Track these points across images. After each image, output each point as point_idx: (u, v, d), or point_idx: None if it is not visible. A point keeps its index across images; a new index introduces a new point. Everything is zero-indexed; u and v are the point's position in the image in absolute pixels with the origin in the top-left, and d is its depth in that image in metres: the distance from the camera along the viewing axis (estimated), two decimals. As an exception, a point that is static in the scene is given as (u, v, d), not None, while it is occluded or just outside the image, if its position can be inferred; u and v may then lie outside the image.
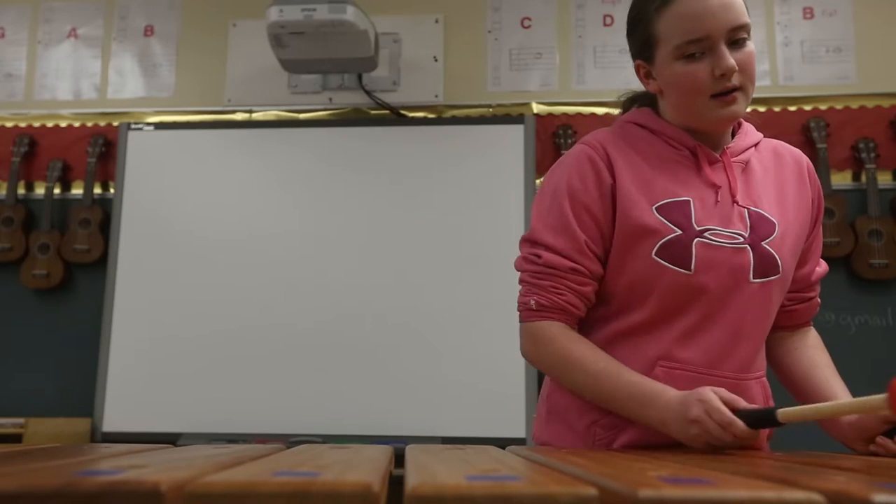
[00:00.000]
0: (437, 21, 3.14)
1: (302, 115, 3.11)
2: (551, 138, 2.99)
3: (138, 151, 3.02)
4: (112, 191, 3.06)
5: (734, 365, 1.10)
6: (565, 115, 3.03)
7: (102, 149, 3.10)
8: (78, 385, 2.90)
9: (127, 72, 3.23)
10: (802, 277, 1.22)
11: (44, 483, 0.50)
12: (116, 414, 2.81)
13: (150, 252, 2.92)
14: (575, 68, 3.08)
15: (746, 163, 1.17)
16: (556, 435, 1.17)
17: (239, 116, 3.13)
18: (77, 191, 3.10)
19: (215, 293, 2.87)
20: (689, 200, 1.11)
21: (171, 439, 2.62)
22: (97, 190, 3.09)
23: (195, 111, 3.15)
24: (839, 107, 2.95)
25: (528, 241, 1.16)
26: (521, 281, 1.17)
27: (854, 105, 2.95)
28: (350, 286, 2.84)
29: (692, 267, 1.08)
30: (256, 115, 3.13)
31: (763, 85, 3.01)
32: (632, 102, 1.25)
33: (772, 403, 1.13)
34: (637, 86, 1.23)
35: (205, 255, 2.91)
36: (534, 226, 1.15)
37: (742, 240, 1.10)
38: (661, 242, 1.08)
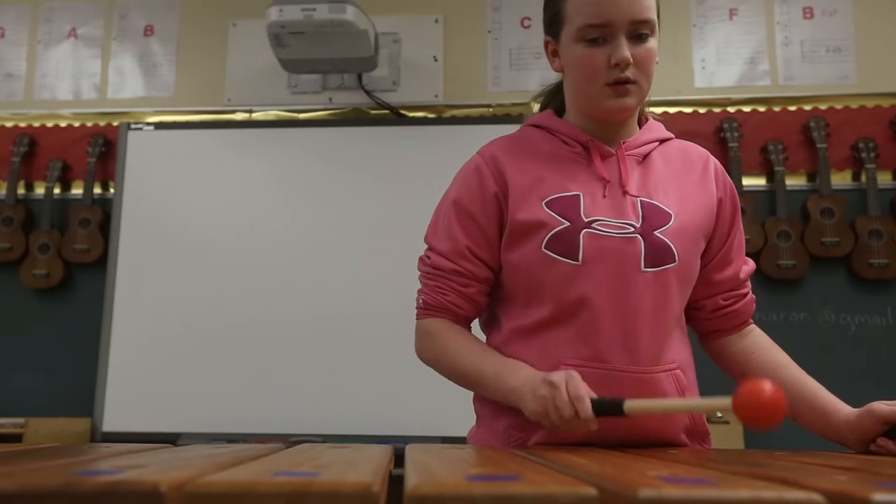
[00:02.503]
0: (437, 21, 3.14)
1: (302, 115, 3.11)
2: (551, 138, 2.99)
3: (138, 151, 3.02)
4: (112, 191, 3.06)
5: (638, 357, 1.09)
6: (565, 114, 3.03)
7: (102, 149, 3.10)
8: (78, 385, 2.90)
9: (127, 72, 3.23)
10: (732, 277, 1.22)
11: (44, 483, 0.50)
12: (116, 414, 2.81)
13: (150, 252, 2.92)
14: (575, 68, 3.08)
15: (645, 156, 1.18)
16: (482, 438, 1.20)
17: (239, 116, 3.13)
18: (77, 191, 3.10)
19: (215, 293, 2.87)
20: (578, 194, 1.12)
21: (171, 439, 2.62)
22: (97, 190, 3.09)
23: (195, 111, 3.15)
24: (839, 107, 2.95)
25: (425, 243, 1.23)
26: (419, 280, 1.23)
27: (854, 105, 2.95)
28: (350, 286, 2.84)
29: (580, 257, 1.08)
30: (256, 115, 3.13)
31: (763, 85, 3.01)
32: (549, 98, 1.29)
33: (687, 396, 1.14)
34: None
35: (205, 254, 2.91)
36: (428, 231, 1.22)
37: (633, 230, 1.10)
38: (549, 235, 1.10)
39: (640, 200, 1.13)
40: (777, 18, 3.06)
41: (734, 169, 2.87)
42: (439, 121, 3.02)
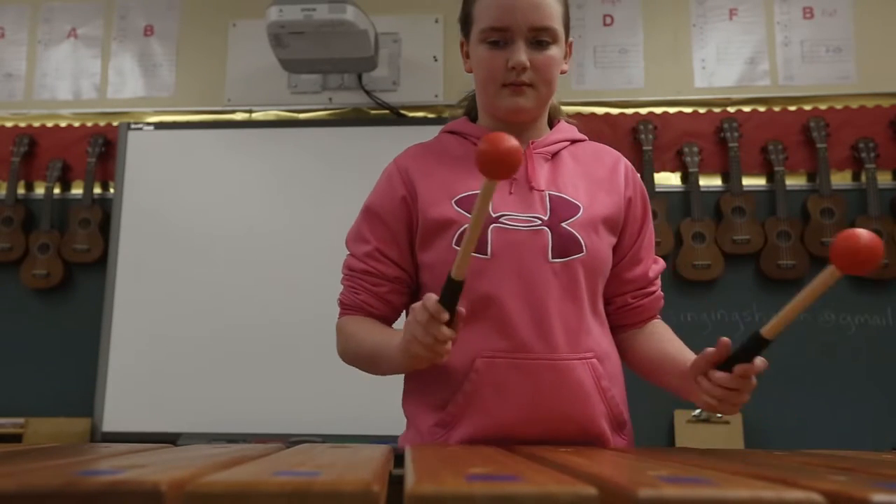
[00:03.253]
0: (437, 21, 3.14)
1: (302, 115, 3.11)
2: (551, 138, 2.99)
3: (138, 151, 3.02)
4: (112, 191, 3.06)
5: (551, 345, 1.12)
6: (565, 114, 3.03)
7: (102, 149, 3.10)
8: (78, 385, 2.90)
9: (127, 72, 3.23)
10: (641, 276, 1.25)
11: (44, 483, 0.50)
12: (116, 414, 2.81)
13: (150, 252, 2.92)
14: (575, 68, 3.08)
15: (554, 154, 1.23)
16: (411, 440, 1.22)
17: (239, 116, 3.13)
18: (77, 191, 3.10)
19: (215, 293, 2.87)
20: None
21: (171, 439, 2.62)
22: (97, 190, 3.09)
23: (195, 111, 3.15)
24: (839, 107, 2.95)
25: (346, 248, 1.29)
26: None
27: (854, 105, 2.95)
28: (350, 286, 2.84)
29: (489, 251, 1.12)
30: (256, 115, 3.13)
31: (763, 85, 3.01)
32: (471, 103, 1.32)
33: (603, 385, 1.15)
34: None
35: (204, 254, 2.91)
36: (347, 235, 1.29)
37: (540, 222, 1.14)
38: (459, 231, 1.13)
39: (549, 194, 1.17)
40: (777, 18, 3.06)
41: (733, 169, 2.87)
42: (439, 121, 3.02)
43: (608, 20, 3.11)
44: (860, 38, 3.00)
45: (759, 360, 0.98)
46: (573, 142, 1.26)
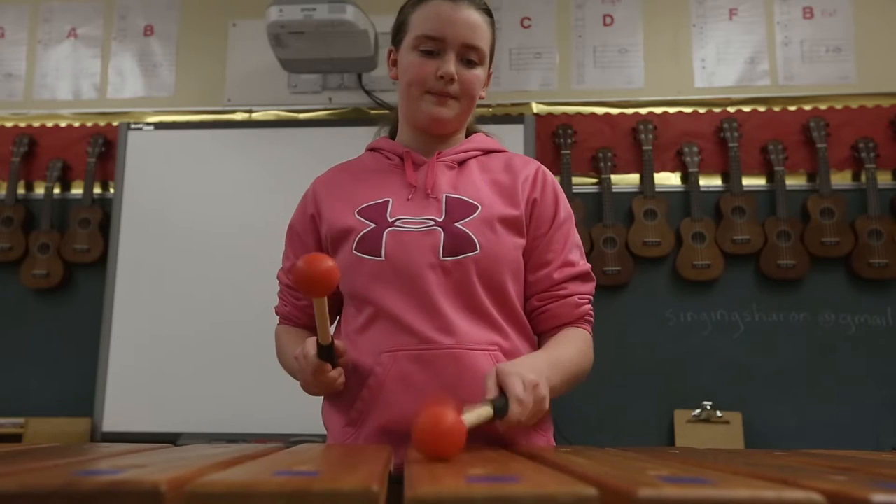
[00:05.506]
0: (436, 21, 3.13)
1: (302, 115, 3.11)
2: (551, 138, 2.99)
3: (138, 151, 3.02)
4: (112, 191, 3.06)
5: (451, 338, 1.15)
6: (565, 114, 3.03)
7: (102, 149, 3.10)
8: (78, 385, 2.90)
9: (127, 72, 3.23)
10: (546, 277, 1.23)
11: (44, 483, 0.50)
12: (116, 414, 2.81)
13: (150, 252, 2.92)
14: (575, 68, 3.08)
15: (461, 162, 1.27)
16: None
17: (239, 116, 3.13)
18: (77, 191, 3.10)
19: (215, 293, 2.87)
20: (387, 200, 1.23)
21: (171, 439, 2.62)
22: (97, 190, 3.09)
23: (195, 111, 3.15)
24: (839, 107, 2.95)
25: None
26: None
27: (854, 105, 2.95)
28: (350, 286, 2.84)
29: (383, 254, 1.18)
30: (256, 115, 3.13)
31: (763, 85, 3.01)
32: (395, 123, 1.38)
33: None
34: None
35: (204, 254, 2.91)
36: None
37: (433, 223, 1.19)
38: (357, 238, 1.20)
39: (446, 196, 1.21)
40: (777, 18, 3.06)
41: (733, 169, 2.87)
42: (439, 121, 3.02)
43: (608, 20, 3.11)
44: (860, 38, 3.00)
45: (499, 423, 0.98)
46: (486, 152, 1.29)
